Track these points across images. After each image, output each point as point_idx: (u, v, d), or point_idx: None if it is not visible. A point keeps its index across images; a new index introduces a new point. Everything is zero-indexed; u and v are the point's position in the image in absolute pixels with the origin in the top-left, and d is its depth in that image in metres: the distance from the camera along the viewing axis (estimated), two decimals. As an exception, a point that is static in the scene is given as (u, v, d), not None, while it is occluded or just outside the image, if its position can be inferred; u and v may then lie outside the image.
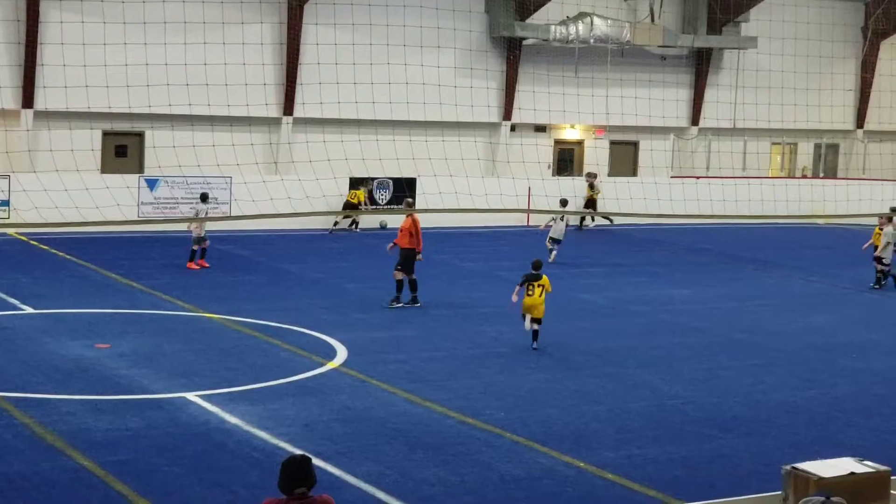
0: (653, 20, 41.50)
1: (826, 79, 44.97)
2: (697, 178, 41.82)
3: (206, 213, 29.66)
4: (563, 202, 34.65)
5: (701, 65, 43.65)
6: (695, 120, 44.05)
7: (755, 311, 25.81)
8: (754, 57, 43.58)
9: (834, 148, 47.39)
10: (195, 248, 28.66)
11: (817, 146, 46.82)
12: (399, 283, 24.63)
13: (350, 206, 36.95)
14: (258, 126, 36.60)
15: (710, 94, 43.89)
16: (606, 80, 40.93)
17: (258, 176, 34.47)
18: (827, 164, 46.96)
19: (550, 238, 31.91)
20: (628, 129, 42.55)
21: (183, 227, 30.15)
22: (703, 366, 20.22)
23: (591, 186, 40.39)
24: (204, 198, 29.67)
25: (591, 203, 39.93)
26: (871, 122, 47.07)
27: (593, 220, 40.29)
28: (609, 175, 42.04)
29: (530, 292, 20.93)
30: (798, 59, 42.91)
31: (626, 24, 40.62)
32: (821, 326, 24.40)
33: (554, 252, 31.51)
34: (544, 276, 21.10)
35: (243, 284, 26.86)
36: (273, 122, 37.39)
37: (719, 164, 43.05)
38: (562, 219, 31.97)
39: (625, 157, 43.86)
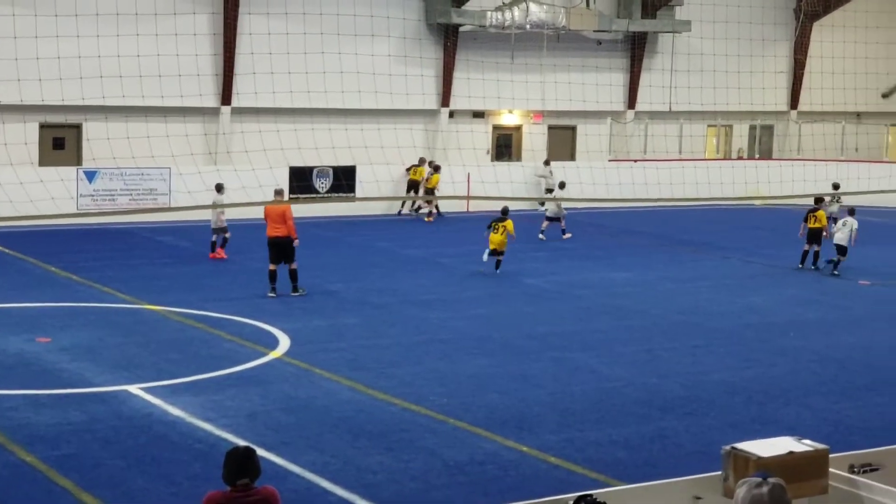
0: (588, 5, 41.72)
1: (759, 61, 45.47)
2: (635, 161, 42.14)
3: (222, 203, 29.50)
4: (562, 185, 35.45)
5: (636, 49, 43.93)
6: (631, 104, 44.36)
7: (694, 293, 26.07)
8: (689, 40, 43.93)
9: (768, 129, 47.91)
10: (214, 238, 28.79)
11: (752, 128, 47.32)
12: (272, 273, 24.22)
13: (414, 186, 38.16)
14: (194, 117, 36.39)
15: (645, 78, 44.20)
16: (542, 65, 41.13)
17: (194, 167, 34.31)
18: (762, 146, 47.47)
19: (546, 217, 33.76)
20: (566, 114, 42.74)
21: (121, 218, 29.80)
22: (643, 348, 20.41)
23: (435, 170, 38.88)
24: (219, 188, 29.38)
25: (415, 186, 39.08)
26: (804, 104, 47.61)
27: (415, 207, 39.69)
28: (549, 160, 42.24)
29: (495, 231, 26.87)
30: (732, 41, 43.29)
31: (561, 9, 40.80)
32: (759, 306, 24.69)
33: (562, 232, 33.71)
34: (509, 220, 26.83)
35: (184, 275, 26.74)
36: (209, 113, 37.19)
37: (656, 147, 43.41)
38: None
39: (563, 142, 44.10)
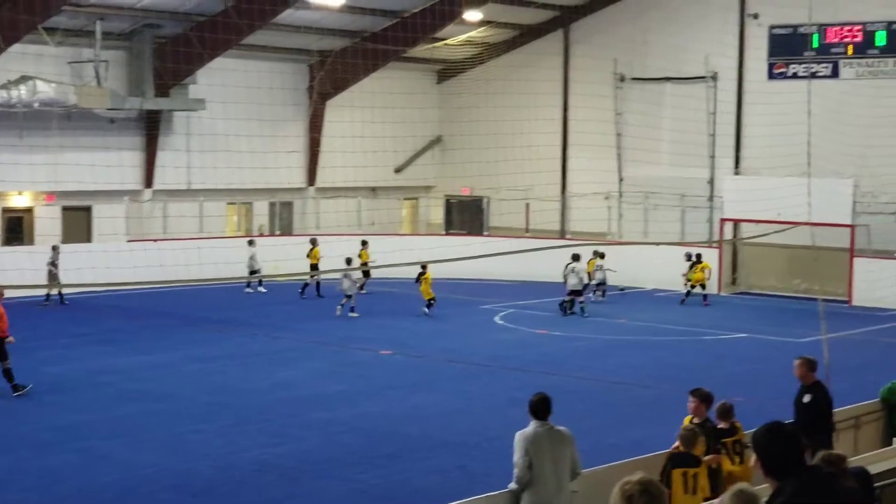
0: (98, 83, 40.65)
1: (275, 140, 46.10)
2: (155, 240, 41.38)
3: None
4: (576, 257, 34.67)
5: (151, 127, 43.30)
6: (148, 183, 43.58)
7: (222, 372, 25.75)
8: (205, 119, 43.80)
9: (288, 206, 48.53)
10: None
11: (272, 204, 47.77)
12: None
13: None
14: None
15: (162, 157, 43.59)
16: (53, 145, 39.62)
17: None
18: (282, 222, 48.02)
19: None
20: (80, 195, 41.33)
21: None
22: (172, 432, 19.85)
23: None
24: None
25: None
26: (322, 181, 48.65)
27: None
28: (63, 242, 40.68)
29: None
30: (246, 121, 43.60)
31: (71, 87, 39.51)
32: (288, 381, 24.69)
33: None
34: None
35: None
36: None
37: (175, 226, 42.84)
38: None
39: (78, 223, 42.57)
